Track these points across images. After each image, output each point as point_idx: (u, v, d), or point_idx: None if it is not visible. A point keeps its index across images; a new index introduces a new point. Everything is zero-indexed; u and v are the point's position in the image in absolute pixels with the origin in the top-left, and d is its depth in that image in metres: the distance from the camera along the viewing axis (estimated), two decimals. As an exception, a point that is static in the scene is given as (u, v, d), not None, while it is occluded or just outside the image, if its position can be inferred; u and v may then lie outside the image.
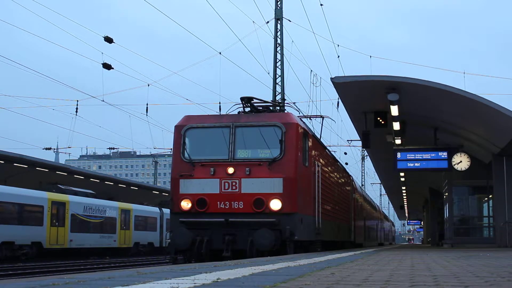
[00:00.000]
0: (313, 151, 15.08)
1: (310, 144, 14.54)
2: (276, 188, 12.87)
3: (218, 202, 13.01)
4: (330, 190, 18.32)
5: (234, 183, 12.99)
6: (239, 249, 12.67)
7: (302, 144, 13.74)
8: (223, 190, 13.02)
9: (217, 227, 12.90)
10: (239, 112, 14.69)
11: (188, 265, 7.73)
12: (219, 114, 18.90)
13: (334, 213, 19.14)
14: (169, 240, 13.30)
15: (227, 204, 12.95)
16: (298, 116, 15.03)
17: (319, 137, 17.16)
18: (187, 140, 13.68)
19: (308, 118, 19.27)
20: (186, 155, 13.47)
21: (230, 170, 13.04)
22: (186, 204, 13.18)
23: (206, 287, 3.99)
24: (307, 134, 14.30)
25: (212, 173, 13.11)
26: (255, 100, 14.92)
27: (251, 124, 13.53)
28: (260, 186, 12.88)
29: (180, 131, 13.76)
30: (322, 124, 18.94)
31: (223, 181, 13.04)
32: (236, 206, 12.92)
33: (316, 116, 19.60)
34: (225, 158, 13.22)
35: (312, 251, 15.08)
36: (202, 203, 13.07)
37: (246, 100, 14.66)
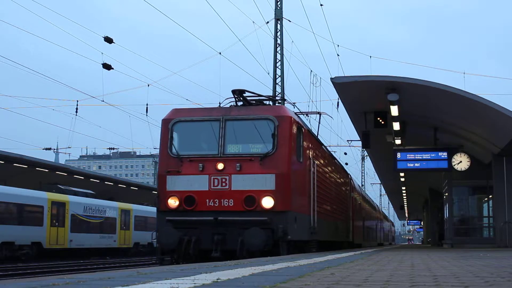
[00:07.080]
0: (308, 147, 14.37)
1: (305, 139, 13.82)
2: (268, 184, 12.13)
3: (207, 200, 12.30)
4: (327, 188, 17.64)
5: (224, 180, 12.26)
6: (229, 249, 11.98)
7: (296, 139, 13.00)
8: (212, 187, 12.31)
9: (205, 226, 12.21)
10: (231, 106, 13.90)
11: (188, 265, 7.72)
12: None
13: (331, 212, 18.57)
14: (155, 240, 12.63)
15: (217, 202, 12.24)
16: (295, 113, 14.33)
17: (316, 134, 16.62)
18: (175, 135, 12.96)
19: (305, 115, 18.74)
20: (173, 150, 12.76)
21: (220, 165, 12.32)
22: (173, 202, 12.46)
23: (206, 287, 3.99)
24: (301, 128, 13.52)
25: (200, 169, 12.39)
26: (247, 93, 14.07)
27: (242, 117, 12.78)
28: (251, 182, 12.15)
29: (168, 124, 13.02)
30: (319, 121, 18.65)
31: (212, 177, 12.32)
32: (226, 204, 12.21)
33: (312, 113, 19.13)
34: (214, 153, 12.52)
35: (307, 251, 14.50)
36: (190, 201, 12.36)
37: (238, 93, 13.79)
